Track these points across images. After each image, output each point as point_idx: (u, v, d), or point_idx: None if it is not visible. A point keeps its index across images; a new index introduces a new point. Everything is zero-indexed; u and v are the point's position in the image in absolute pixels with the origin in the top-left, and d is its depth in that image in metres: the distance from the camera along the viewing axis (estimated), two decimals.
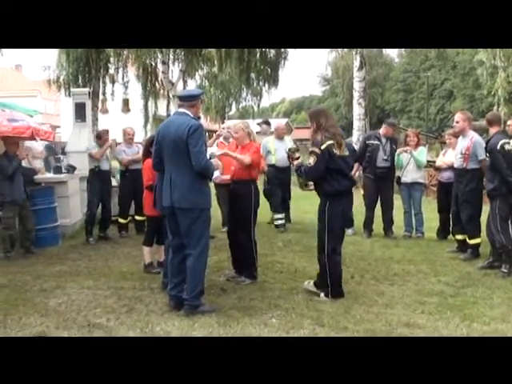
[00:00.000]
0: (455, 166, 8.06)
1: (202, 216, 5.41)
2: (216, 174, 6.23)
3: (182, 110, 5.58)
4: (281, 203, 10.53)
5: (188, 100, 5.59)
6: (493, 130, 7.26)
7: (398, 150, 9.58)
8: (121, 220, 9.99)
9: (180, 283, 5.54)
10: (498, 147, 6.99)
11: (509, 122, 7.49)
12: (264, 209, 12.04)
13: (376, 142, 9.67)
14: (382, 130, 9.86)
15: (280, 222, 10.45)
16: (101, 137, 9.80)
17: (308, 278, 6.89)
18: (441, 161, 9.21)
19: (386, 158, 9.58)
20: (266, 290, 6.30)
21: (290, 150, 9.87)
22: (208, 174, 5.48)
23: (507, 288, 6.39)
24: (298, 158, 10.16)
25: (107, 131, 10.32)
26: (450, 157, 8.84)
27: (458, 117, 8.03)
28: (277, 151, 10.24)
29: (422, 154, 9.64)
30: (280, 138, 10.49)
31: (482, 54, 22.37)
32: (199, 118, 5.62)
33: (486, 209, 7.88)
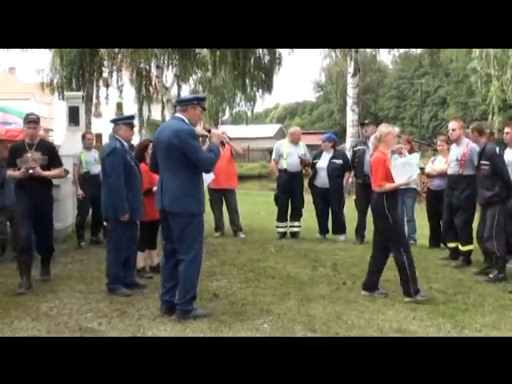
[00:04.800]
0: (449, 172, 8.08)
1: (193, 221, 5.39)
2: (211, 176, 6.21)
3: (177, 114, 5.62)
4: (293, 211, 10.28)
5: (179, 104, 5.65)
6: (483, 140, 7.47)
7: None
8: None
9: (172, 288, 5.52)
10: (498, 151, 7.25)
11: (506, 130, 7.52)
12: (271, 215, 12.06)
13: (363, 147, 9.72)
14: (364, 133, 9.99)
15: (281, 230, 10.32)
16: (84, 137, 9.99)
17: (300, 283, 6.91)
18: (430, 168, 9.22)
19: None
20: (258, 296, 6.30)
21: (302, 155, 9.96)
22: (213, 165, 5.57)
23: (499, 295, 6.41)
24: (309, 165, 10.22)
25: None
26: (440, 164, 8.88)
27: (454, 125, 8.06)
28: (289, 155, 10.04)
29: (416, 159, 9.63)
30: (295, 142, 10.20)
31: (476, 62, 22.49)
32: (192, 124, 5.55)
33: (476, 216, 7.93)
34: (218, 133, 5.76)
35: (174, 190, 5.35)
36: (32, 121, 7.00)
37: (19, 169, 6.80)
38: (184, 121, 5.45)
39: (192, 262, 5.41)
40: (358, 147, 9.88)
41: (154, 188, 6.87)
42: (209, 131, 5.75)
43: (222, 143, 10.00)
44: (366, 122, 10.09)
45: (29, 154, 6.83)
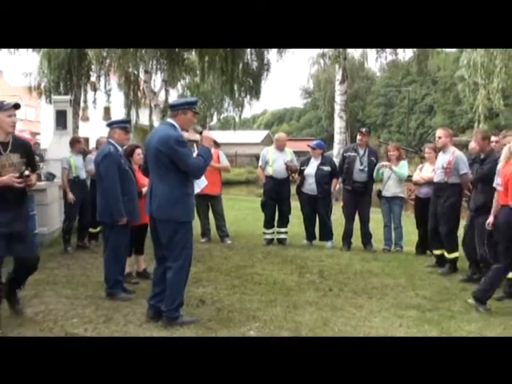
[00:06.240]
0: (435, 180, 8.13)
1: (181, 229, 5.33)
2: (204, 182, 6.13)
3: (167, 119, 5.55)
4: (280, 218, 10.28)
5: (170, 109, 5.60)
6: (488, 148, 7.28)
7: (378, 165, 9.62)
8: (91, 229, 9.88)
9: (161, 293, 5.48)
10: None
11: (493, 138, 7.55)
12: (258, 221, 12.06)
13: (353, 154, 9.76)
14: (357, 140, 9.97)
15: (268, 236, 10.30)
16: (79, 141, 9.84)
17: (287, 289, 6.90)
18: (418, 175, 9.24)
19: (362, 168, 9.61)
20: (245, 302, 6.29)
21: (288, 161, 9.92)
22: (203, 171, 5.50)
23: None
24: (296, 172, 10.17)
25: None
26: (427, 172, 8.91)
27: (440, 133, 8.12)
28: (275, 162, 10.04)
29: (404, 167, 9.69)
30: (280, 149, 10.19)
31: (463, 71, 22.69)
32: (183, 129, 5.49)
33: (462, 223, 7.98)
34: (209, 135, 5.59)
35: (162, 196, 5.30)
36: (14, 106, 5.28)
37: None
38: (174, 126, 5.35)
39: (180, 269, 5.36)
40: (349, 153, 9.88)
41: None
42: (200, 133, 5.63)
43: (216, 143, 9.88)
44: (364, 131, 10.03)
45: (5, 157, 5.15)
